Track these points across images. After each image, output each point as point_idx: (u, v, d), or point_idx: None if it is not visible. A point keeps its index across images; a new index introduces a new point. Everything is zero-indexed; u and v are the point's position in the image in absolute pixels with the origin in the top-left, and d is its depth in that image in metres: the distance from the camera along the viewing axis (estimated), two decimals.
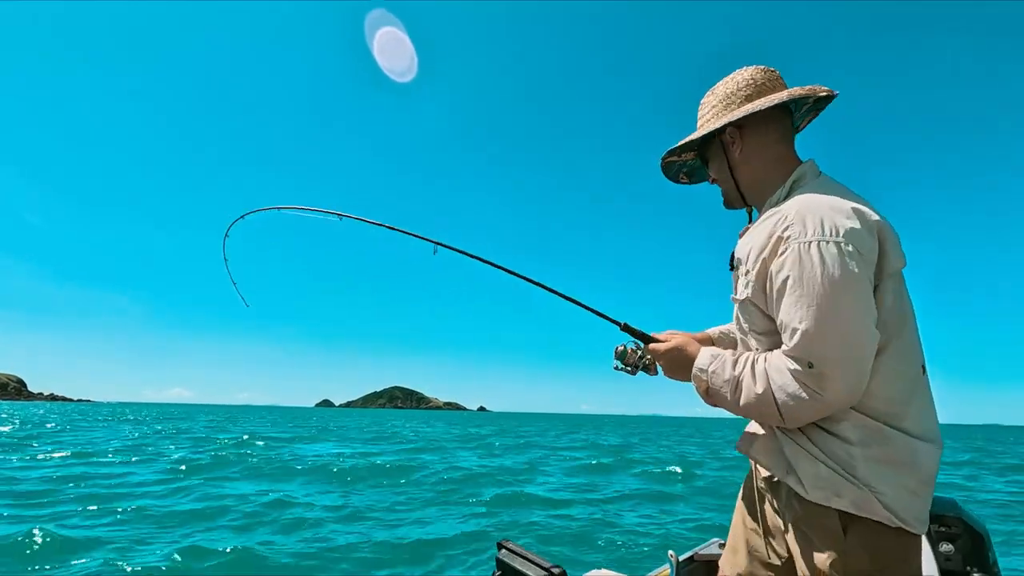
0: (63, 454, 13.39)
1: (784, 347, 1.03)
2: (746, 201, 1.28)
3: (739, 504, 1.38)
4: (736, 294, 1.21)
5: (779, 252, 1.04)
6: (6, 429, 25.09)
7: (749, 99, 1.21)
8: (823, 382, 0.97)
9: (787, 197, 1.14)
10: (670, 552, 1.93)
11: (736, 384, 1.09)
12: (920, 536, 1.05)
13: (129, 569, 4.67)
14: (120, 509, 6.97)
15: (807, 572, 1.07)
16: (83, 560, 4.93)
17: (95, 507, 7.06)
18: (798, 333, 0.99)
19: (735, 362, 1.11)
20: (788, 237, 1.03)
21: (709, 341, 1.42)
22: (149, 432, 24.67)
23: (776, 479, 1.16)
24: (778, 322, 1.05)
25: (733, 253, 1.26)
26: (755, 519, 1.29)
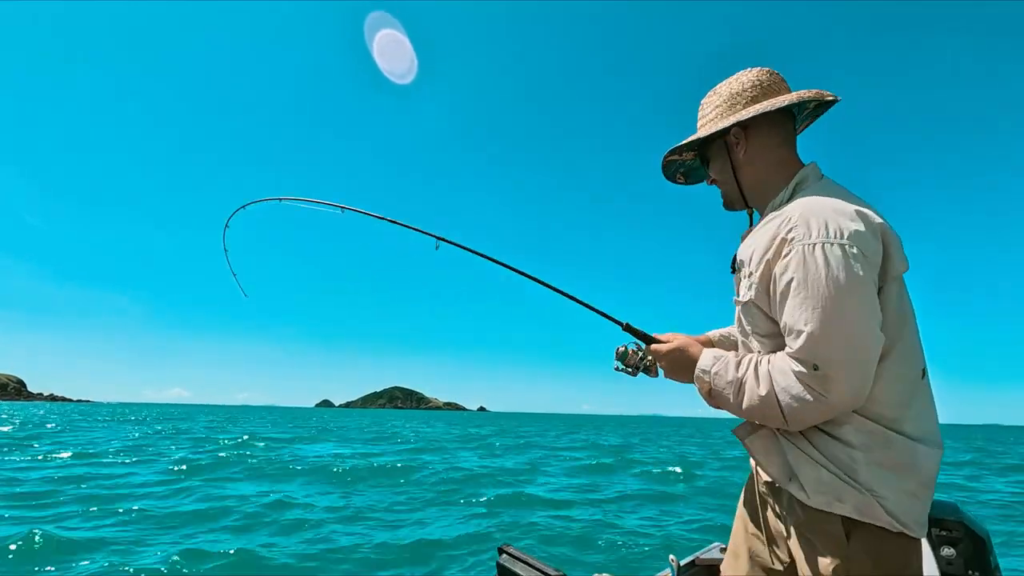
0: (63, 455, 13.37)
1: (788, 349, 1.03)
2: (747, 203, 1.28)
3: (740, 508, 1.38)
4: (739, 296, 1.20)
5: (783, 254, 1.04)
6: (6, 429, 25.08)
7: (755, 100, 1.21)
8: (828, 384, 0.97)
9: (790, 200, 1.14)
10: (671, 556, 1.93)
11: (739, 386, 1.08)
12: (920, 540, 1.05)
13: (131, 570, 4.66)
14: (121, 510, 6.96)
15: None
16: (84, 561, 4.92)
17: (96, 508, 7.05)
18: (803, 335, 0.98)
19: (738, 364, 1.11)
20: (792, 239, 1.03)
21: (709, 344, 1.42)
22: (149, 432, 24.66)
23: (778, 484, 1.15)
24: (782, 324, 1.05)
25: (735, 256, 1.26)
26: (757, 524, 1.29)
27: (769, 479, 1.19)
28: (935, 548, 1.64)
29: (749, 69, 1.25)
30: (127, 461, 12.54)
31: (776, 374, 1.03)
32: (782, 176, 1.20)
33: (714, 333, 1.49)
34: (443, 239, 1.64)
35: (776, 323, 1.09)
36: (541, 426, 56.40)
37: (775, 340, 1.12)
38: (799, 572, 1.11)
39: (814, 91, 1.17)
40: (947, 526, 1.64)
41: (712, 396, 1.15)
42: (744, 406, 1.08)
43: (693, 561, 2.11)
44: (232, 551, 5.25)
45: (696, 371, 1.18)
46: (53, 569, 4.74)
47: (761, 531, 1.27)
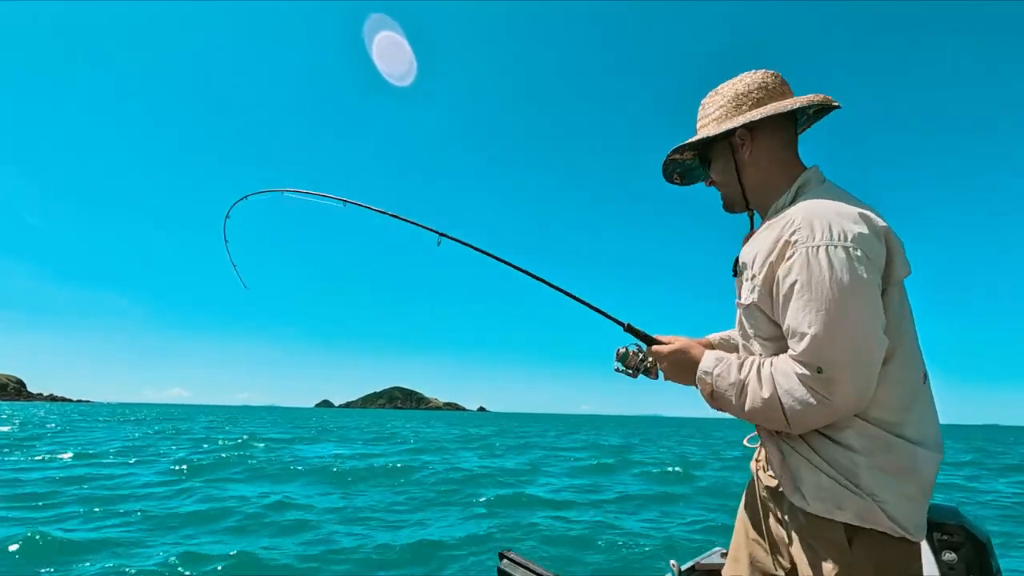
0: (63, 456, 13.37)
1: (791, 351, 1.02)
2: (748, 205, 1.27)
3: (741, 513, 1.37)
4: (741, 299, 1.20)
5: (787, 256, 1.04)
6: (5, 429, 25.08)
7: (760, 102, 1.20)
8: (832, 387, 0.97)
9: (792, 202, 1.14)
10: (672, 562, 1.92)
11: (741, 388, 1.08)
12: (919, 544, 1.05)
13: (132, 572, 4.66)
14: (121, 511, 6.96)
15: None
16: (85, 563, 4.92)
17: (96, 509, 7.05)
18: (807, 338, 0.98)
19: (740, 365, 1.11)
20: (796, 241, 1.02)
21: (710, 347, 1.41)
22: (149, 433, 24.65)
23: (780, 489, 1.15)
24: (785, 327, 1.05)
25: (737, 258, 1.25)
26: (758, 529, 1.28)
27: (770, 483, 1.19)
28: (937, 553, 1.63)
29: (754, 71, 1.25)
30: (127, 462, 12.53)
31: (779, 376, 1.02)
32: (785, 178, 1.20)
33: (714, 336, 1.49)
34: (445, 235, 1.63)
35: (778, 326, 1.09)
36: (541, 426, 56.38)
37: (777, 343, 1.11)
38: None
39: (822, 96, 1.17)
40: (948, 530, 1.63)
41: (714, 398, 1.15)
42: (746, 408, 1.07)
43: (694, 566, 2.10)
44: (232, 552, 5.24)
45: (698, 372, 1.18)
46: (54, 570, 4.73)
47: (762, 536, 1.26)
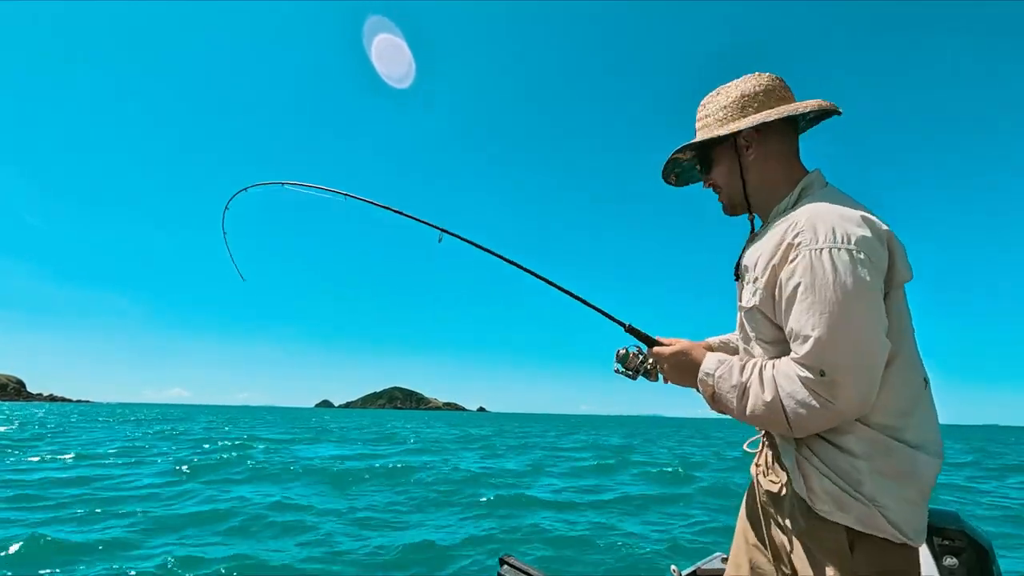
0: (63, 456, 13.36)
1: (794, 354, 1.02)
2: (750, 208, 1.27)
3: (741, 518, 1.36)
4: (742, 302, 1.20)
5: (790, 259, 1.04)
6: (3, 429, 25.07)
7: (765, 105, 1.20)
8: (835, 390, 0.96)
9: (795, 205, 1.14)
10: (672, 567, 1.91)
11: (743, 390, 1.08)
12: (919, 549, 1.05)
13: (132, 573, 4.65)
14: (121, 512, 6.95)
15: None
16: (84, 564, 4.91)
17: (95, 510, 7.03)
18: (810, 340, 0.98)
19: (742, 368, 1.10)
20: (799, 244, 1.02)
21: (709, 350, 1.41)
22: (149, 433, 24.64)
23: (781, 493, 1.14)
24: (787, 329, 1.04)
25: (738, 262, 1.25)
26: (758, 535, 1.27)
27: (770, 488, 1.18)
28: (938, 558, 1.63)
29: (757, 74, 1.25)
30: (127, 462, 12.53)
31: (781, 379, 1.02)
32: (788, 181, 1.20)
33: (713, 340, 1.48)
34: (446, 231, 1.63)
35: (780, 329, 1.09)
36: (541, 426, 56.38)
37: (779, 347, 1.11)
38: None
39: (828, 102, 1.17)
40: (949, 535, 1.63)
41: (715, 400, 1.15)
42: (748, 411, 1.07)
43: (695, 572, 2.10)
44: (232, 553, 5.24)
45: (699, 374, 1.18)
46: (54, 572, 4.73)
47: (763, 542, 1.25)
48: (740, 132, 1.20)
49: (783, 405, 1.01)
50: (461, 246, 1.60)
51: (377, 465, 12.79)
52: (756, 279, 1.12)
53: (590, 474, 12.71)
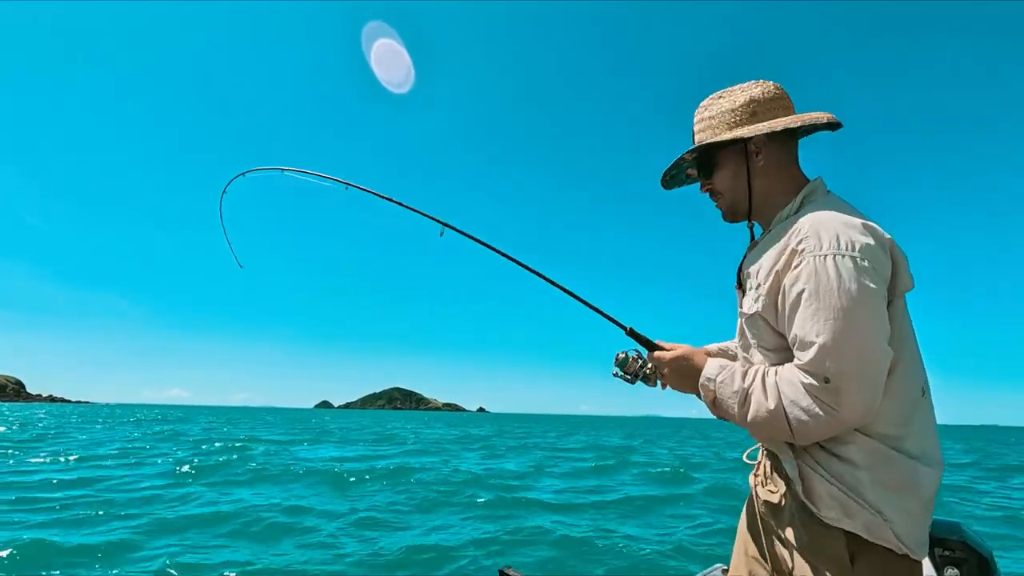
0: (63, 458, 13.34)
1: (797, 361, 1.01)
2: (750, 215, 1.26)
3: (741, 529, 1.35)
4: (744, 308, 1.19)
5: (793, 265, 1.03)
6: (3, 430, 25.05)
7: (773, 112, 1.21)
8: (839, 398, 0.96)
9: (798, 212, 1.14)
10: None
11: (745, 396, 1.07)
12: (921, 562, 1.05)
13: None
14: (121, 514, 6.94)
15: None
16: (84, 567, 4.91)
17: (96, 512, 7.03)
18: (814, 347, 0.97)
19: (744, 373, 1.10)
20: (803, 250, 1.02)
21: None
22: (148, 434, 24.62)
23: (781, 504, 1.14)
24: (791, 336, 1.04)
25: (739, 270, 1.25)
26: (758, 546, 1.26)
27: (769, 499, 1.17)
28: (939, 569, 1.63)
29: (762, 81, 1.25)
30: (126, 463, 12.52)
31: (784, 386, 1.01)
32: (791, 188, 1.20)
33: (712, 347, 1.47)
34: (448, 225, 1.61)
35: (782, 337, 1.08)
36: (541, 427, 56.35)
37: (780, 354, 1.10)
38: None
39: (830, 115, 1.18)
40: (950, 546, 1.63)
41: (716, 405, 1.14)
42: (749, 417, 1.06)
43: None
44: (233, 555, 5.24)
45: (701, 379, 1.17)
46: (54, 575, 4.72)
47: (762, 554, 1.23)
48: (750, 138, 1.20)
49: (786, 412, 1.00)
50: (462, 242, 1.58)
51: (378, 466, 12.78)
52: (759, 285, 1.12)
53: (592, 475, 12.70)
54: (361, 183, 1.81)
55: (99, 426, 32.84)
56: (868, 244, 0.99)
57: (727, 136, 1.20)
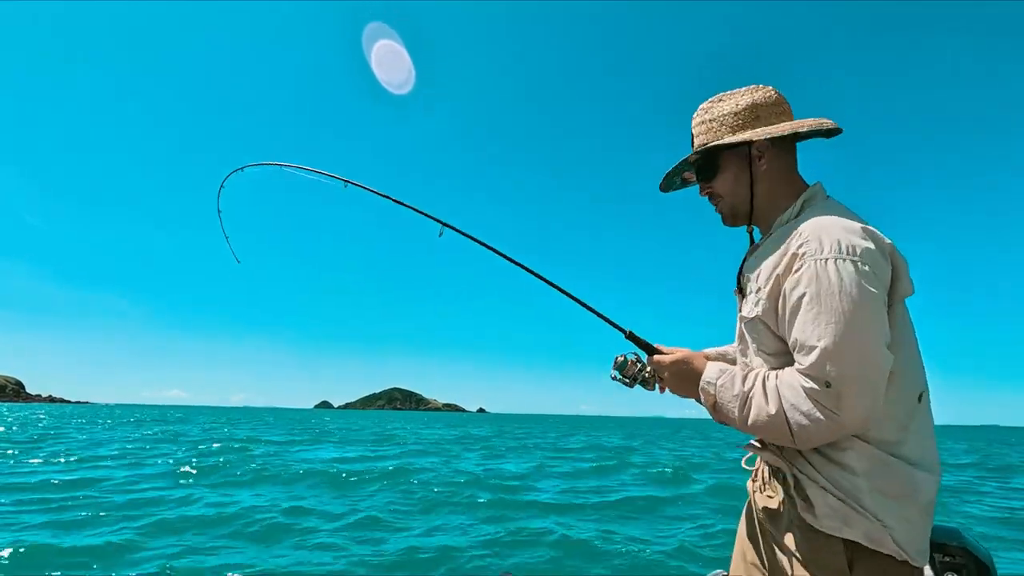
0: (62, 458, 13.34)
1: (798, 365, 1.01)
2: (751, 219, 1.26)
3: (740, 535, 1.34)
4: (744, 312, 1.19)
5: (794, 269, 1.03)
6: (3, 430, 25.03)
7: (774, 117, 1.21)
8: (840, 402, 0.95)
9: (798, 216, 1.15)
10: None
11: (745, 400, 1.07)
12: (922, 569, 1.04)
13: None
14: (120, 515, 6.94)
15: None
16: (83, 567, 4.91)
17: (94, 513, 7.02)
18: (815, 351, 0.97)
19: (744, 377, 1.10)
20: (804, 254, 1.02)
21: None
22: (148, 435, 24.61)
23: (779, 510, 1.13)
24: (791, 340, 1.03)
25: (739, 274, 1.25)
26: (756, 552, 1.25)
27: (767, 505, 1.17)
28: (939, 575, 1.63)
29: (762, 86, 1.25)
30: (126, 464, 12.51)
31: (785, 390, 1.01)
32: (791, 193, 1.21)
33: (711, 351, 1.47)
34: (448, 225, 1.60)
35: (782, 340, 1.08)
36: (541, 427, 56.34)
37: (780, 358, 1.10)
38: None
39: (833, 122, 1.19)
40: (950, 552, 1.62)
41: (716, 409, 1.13)
42: (749, 421, 1.06)
43: None
44: (232, 556, 5.23)
45: (701, 383, 1.17)
46: (53, 575, 4.71)
47: (761, 561, 1.23)
48: (754, 141, 1.19)
49: (786, 416, 1.00)
50: (462, 241, 1.58)
51: (378, 467, 12.77)
52: (759, 289, 1.12)
53: (593, 476, 12.69)
54: (361, 182, 1.81)
55: (99, 427, 32.83)
56: (869, 249, 0.99)
57: (730, 139, 1.19)
